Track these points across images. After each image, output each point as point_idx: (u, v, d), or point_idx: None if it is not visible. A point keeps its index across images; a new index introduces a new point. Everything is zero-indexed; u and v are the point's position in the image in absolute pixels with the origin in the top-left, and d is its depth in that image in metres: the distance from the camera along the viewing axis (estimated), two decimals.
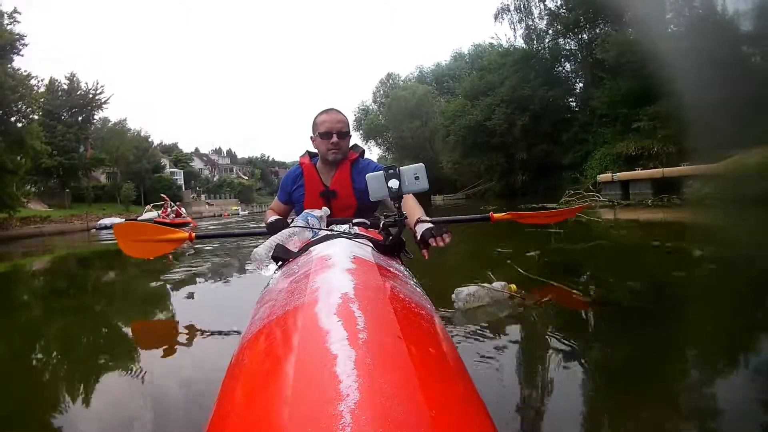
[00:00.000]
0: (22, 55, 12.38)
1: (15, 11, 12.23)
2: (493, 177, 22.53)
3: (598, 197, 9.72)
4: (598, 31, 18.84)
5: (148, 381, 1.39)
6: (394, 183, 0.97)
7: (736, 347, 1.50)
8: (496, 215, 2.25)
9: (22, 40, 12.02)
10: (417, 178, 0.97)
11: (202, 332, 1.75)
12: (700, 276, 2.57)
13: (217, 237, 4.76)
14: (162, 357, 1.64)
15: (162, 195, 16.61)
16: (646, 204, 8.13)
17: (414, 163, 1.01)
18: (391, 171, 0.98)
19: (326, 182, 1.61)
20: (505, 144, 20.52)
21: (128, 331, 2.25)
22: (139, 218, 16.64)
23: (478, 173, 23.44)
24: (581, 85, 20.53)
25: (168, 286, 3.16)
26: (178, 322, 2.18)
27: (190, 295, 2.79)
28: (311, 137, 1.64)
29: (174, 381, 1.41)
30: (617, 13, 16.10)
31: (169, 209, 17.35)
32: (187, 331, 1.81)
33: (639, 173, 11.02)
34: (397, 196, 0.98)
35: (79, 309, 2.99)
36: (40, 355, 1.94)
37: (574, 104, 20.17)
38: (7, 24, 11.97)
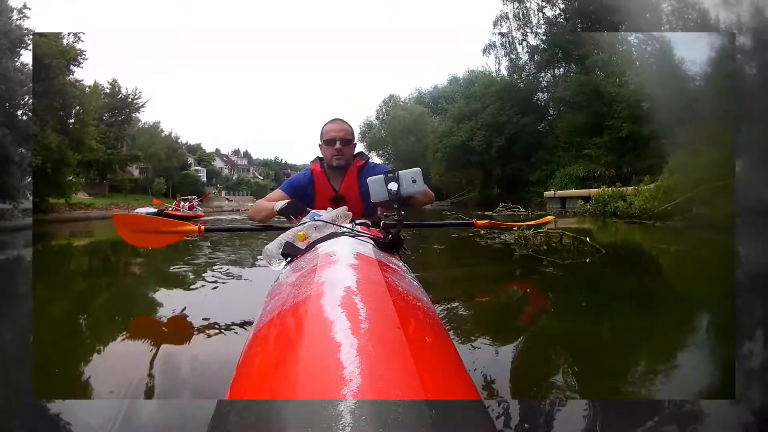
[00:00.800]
0: (29, 50, 11.00)
1: (25, 6, 10.92)
2: (473, 189, 22.68)
3: (521, 209, 10.44)
4: (562, 71, 19.14)
5: (161, 366, 1.24)
6: (393, 186, 0.92)
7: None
8: (479, 222, 2.23)
9: (29, 35, 10.89)
10: (414, 181, 0.93)
11: (217, 322, 1.60)
12: None
13: (227, 231, 4.03)
14: (176, 344, 1.47)
15: (154, 199, 16.29)
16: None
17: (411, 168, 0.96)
18: (390, 175, 0.93)
19: (336, 188, 1.55)
20: (483, 162, 20.66)
21: (143, 315, 1.98)
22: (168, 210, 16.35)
23: (461, 185, 23.58)
24: (554, 112, 20.61)
25: (185, 275, 2.86)
26: (192, 311, 1.89)
27: (206, 286, 2.48)
28: (319, 144, 1.59)
29: (189, 366, 1.29)
30: (582, 55, 16.36)
31: (182, 203, 16.93)
32: (201, 320, 1.66)
33: (572, 192, 12.07)
34: (396, 198, 0.93)
35: (108, 287, 2.88)
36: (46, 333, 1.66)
37: (544, 130, 20.18)
38: (17, 19, 10.72)
